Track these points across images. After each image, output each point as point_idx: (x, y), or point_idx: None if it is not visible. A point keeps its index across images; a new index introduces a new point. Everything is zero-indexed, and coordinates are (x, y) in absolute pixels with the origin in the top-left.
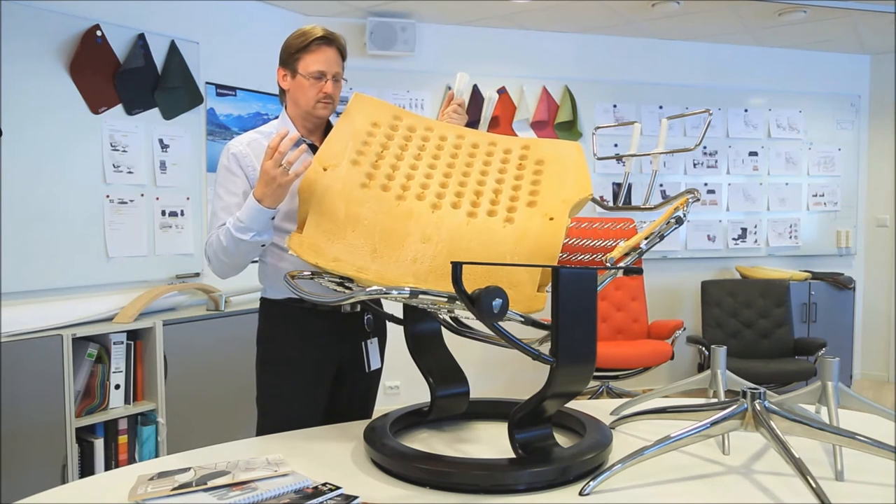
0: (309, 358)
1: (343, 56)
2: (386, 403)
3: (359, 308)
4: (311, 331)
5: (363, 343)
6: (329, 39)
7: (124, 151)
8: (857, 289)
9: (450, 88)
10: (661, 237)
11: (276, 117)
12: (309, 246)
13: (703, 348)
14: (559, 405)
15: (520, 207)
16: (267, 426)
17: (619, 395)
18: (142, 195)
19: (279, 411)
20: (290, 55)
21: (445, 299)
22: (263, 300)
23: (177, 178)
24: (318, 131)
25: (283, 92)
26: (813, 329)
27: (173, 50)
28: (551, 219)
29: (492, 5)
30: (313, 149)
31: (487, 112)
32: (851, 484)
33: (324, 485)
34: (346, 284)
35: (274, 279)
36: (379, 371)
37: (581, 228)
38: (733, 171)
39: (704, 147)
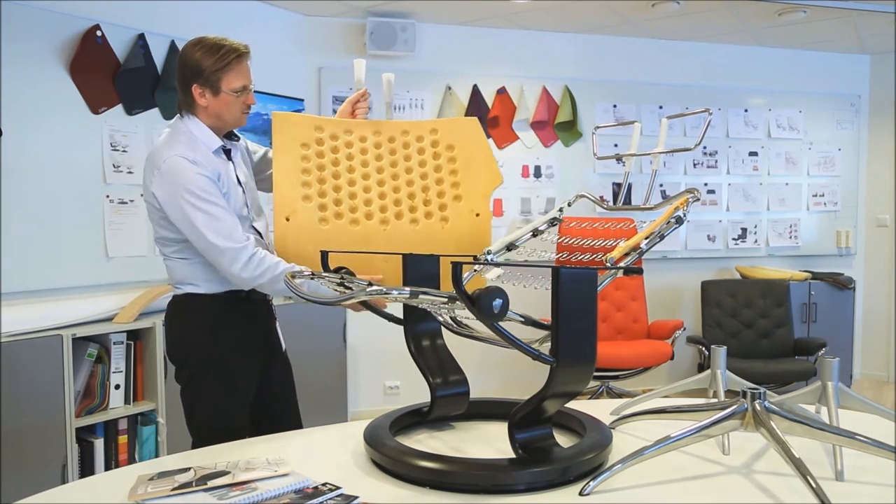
0: (257, 343)
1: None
2: (386, 403)
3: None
4: (251, 317)
5: (276, 325)
6: (245, 53)
7: (124, 151)
8: (857, 289)
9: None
10: (661, 237)
11: (170, 129)
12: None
13: (703, 348)
14: (559, 405)
15: (449, 204)
16: (218, 431)
17: (619, 395)
18: (142, 195)
19: (232, 407)
20: (212, 73)
21: (445, 299)
22: (200, 296)
23: None
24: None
25: (190, 105)
26: (813, 329)
27: (173, 50)
28: (477, 215)
29: (492, 5)
30: (227, 154)
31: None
32: (851, 484)
33: (324, 485)
34: (347, 284)
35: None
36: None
37: (581, 228)
38: (733, 171)
39: (704, 147)
